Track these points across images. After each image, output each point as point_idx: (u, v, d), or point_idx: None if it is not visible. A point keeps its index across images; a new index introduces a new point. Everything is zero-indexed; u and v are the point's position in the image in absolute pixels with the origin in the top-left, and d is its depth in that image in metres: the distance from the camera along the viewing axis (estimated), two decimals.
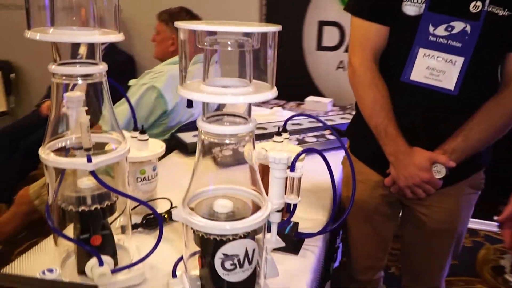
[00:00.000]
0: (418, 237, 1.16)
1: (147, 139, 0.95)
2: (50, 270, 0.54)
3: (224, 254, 0.64)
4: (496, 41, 0.95)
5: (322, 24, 2.54)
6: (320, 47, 2.58)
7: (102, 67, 0.72)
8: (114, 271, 0.75)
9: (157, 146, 0.99)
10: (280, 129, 0.99)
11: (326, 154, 0.76)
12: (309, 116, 1.01)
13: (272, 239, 0.75)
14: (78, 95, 0.75)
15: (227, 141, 0.65)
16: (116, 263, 0.79)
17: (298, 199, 0.73)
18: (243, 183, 0.71)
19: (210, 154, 0.68)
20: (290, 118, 0.99)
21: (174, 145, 1.49)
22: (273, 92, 0.62)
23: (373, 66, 1.03)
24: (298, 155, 0.72)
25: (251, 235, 0.66)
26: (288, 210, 0.74)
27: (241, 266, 0.65)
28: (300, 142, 1.52)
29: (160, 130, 1.63)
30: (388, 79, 1.03)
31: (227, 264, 0.64)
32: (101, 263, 0.73)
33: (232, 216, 0.66)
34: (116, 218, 0.83)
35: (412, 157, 1.00)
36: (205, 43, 0.59)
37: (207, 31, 0.60)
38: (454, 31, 0.94)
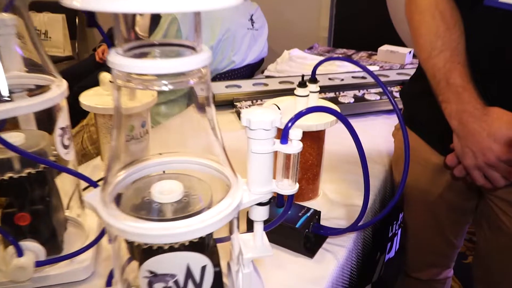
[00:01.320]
0: (494, 243, 0.82)
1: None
2: None
3: (150, 272, 0.40)
4: None
5: None
6: None
7: None
8: (41, 264, 0.55)
9: (147, 94, 0.76)
10: (305, 78, 0.70)
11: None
12: (346, 59, 0.70)
13: (257, 243, 0.49)
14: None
15: (162, 87, 0.38)
16: (59, 250, 0.60)
17: (295, 186, 0.46)
18: (202, 152, 0.46)
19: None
20: (320, 64, 0.69)
21: None
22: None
23: None
24: (296, 116, 0.44)
25: (199, 243, 0.41)
26: (280, 203, 0.47)
27: None
28: (357, 99, 1.19)
29: None
30: (465, 7, 0.68)
31: (158, 287, 0.40)
32: (20, 253, 0.53)
33: (180, 209, 0.42)
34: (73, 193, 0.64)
35: (485, 121, 0.65)
36: None
37: None
38: None
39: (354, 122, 0.56)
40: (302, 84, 0.68)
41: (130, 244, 0.42)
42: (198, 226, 0.38)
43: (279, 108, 0.65)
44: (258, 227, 0.48)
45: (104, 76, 0.78)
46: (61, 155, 0.56)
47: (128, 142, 0.78)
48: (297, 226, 0.62)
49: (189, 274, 0.40)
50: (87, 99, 0.75)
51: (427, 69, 0.71)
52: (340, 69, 1.42)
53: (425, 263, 0.98)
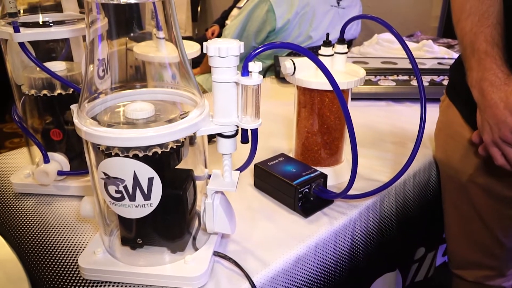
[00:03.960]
0: None
1: (163, 38, 0.79)
2: None
3: (105, 174, 0.44)
4: None
5: None
6: None
7: None
8: (63, 173, 0.64)
9: (172, 50, 0.81)
10: (330, 38, 0.68)
11: None
12: (383, 23, 0.65)
13: (225, 178, 0.50)
14: None
15: None
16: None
17: (257, 121, 0.46)
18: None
19: None
20: (350, 22, 0.65)
21: (271, 69, 1.28)
22: None
23: None
24: (262, 48, 0.44)
25: (152, 157, 0.45)
26: (244, 138, 0.48)
27: (131, 197, 0.45)
28: (432, 84, 1.10)
29: (270, 52, 1.43)
30: None
31: (111, 190, 0.45)
32: (46, 159, 0.63)
33: (147, 123, 0.46)
34: None
35: (504, 91, 0.58)
36: None
37: None
38: None
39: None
40: (327, 43, 0.66)
41: (94, 148, 0.47)
42: (141, 134, 0.42)
43: (294, 64, 0.64)
44: (225, 161, 0.49)
45: (153, 32, 0.86)
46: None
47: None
48: (294, 183, 0.62)
49: (136, 182, 0.44)
50: (139, 49, 0.84)
51: (457, 34, 0.66)
52: (427, 55, 1.32)
53: (468, 260, 0.86)
